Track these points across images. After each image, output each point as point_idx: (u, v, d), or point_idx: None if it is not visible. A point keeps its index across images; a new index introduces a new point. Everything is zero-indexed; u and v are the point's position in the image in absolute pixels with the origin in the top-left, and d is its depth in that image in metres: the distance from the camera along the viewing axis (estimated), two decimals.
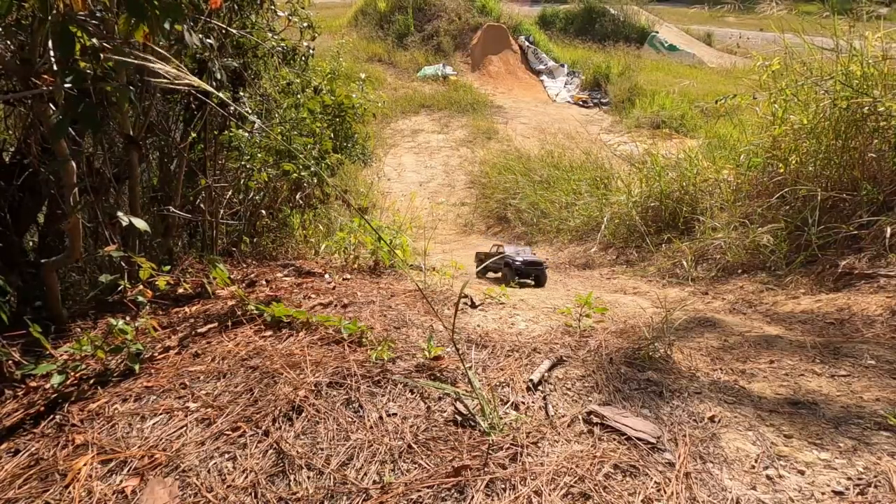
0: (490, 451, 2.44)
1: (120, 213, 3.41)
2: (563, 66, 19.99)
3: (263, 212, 5.68)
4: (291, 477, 2.31)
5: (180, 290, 4.19)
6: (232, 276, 4.28)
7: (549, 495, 2.21)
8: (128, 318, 3.53)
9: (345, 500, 2.21)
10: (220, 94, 2.48)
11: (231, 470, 2.36)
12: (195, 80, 2.06)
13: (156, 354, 3.29)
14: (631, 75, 17.87)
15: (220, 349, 3.30)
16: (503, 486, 2.25)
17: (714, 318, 4.69)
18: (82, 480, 2.30)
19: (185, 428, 2.62)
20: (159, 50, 2.57)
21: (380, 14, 21.32)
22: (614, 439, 2.54)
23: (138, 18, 2.52)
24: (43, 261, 3.49)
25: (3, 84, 3.95)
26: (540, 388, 2.98)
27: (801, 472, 2.42)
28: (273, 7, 5.33)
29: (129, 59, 2.30)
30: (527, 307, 4.67)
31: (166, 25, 2.62)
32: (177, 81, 2.04)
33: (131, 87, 3.62)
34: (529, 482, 2.26)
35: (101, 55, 2.89)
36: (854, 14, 6.69)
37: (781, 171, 6.30)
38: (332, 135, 6.45)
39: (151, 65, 2.08)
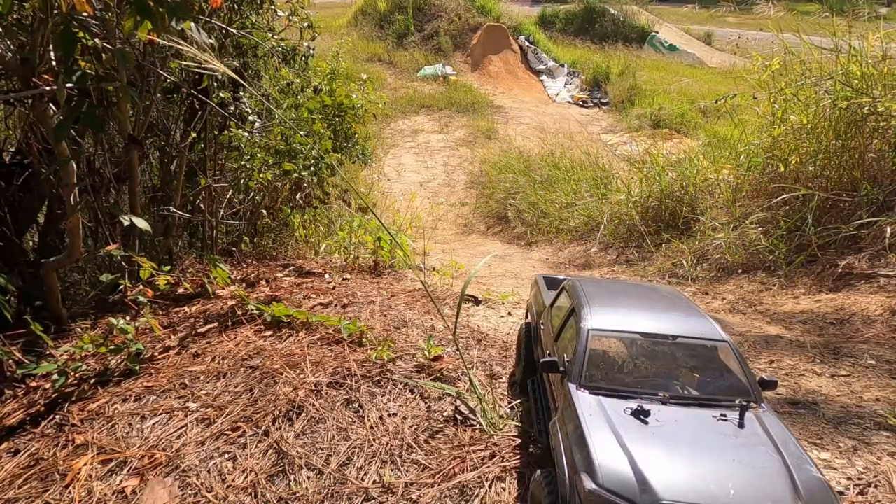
0: (490, 449, 2.44)
1: (121, 213, 3.41)
2: (563, 66, 19.97)
3: (264, 212, 5.68)
4: (291, 477, 2.31)
5: (180, 290, 4.19)
6: (232, 276, 4.28)
7: None
8: (128, 318, 3.53)
9: (345, 500, 2.21)
10: (225, 90, 2.50)
11: (231, 470, 2.36)
12: (221, 66, 2.16)
13: (156, 354, 3.30)
14: (631, 75, 17.83)
15: (220, 349, 3.30)
16: (504, 484, 2.25)
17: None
18: (82, 480, 2.30)
19: (185, 428, 2.62)
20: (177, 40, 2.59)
21: (380, 14, 21.30)
22: None
23: (145, 17, 2.53)
24: (43, 261, 3.49)
25: (3, 84, 3.95)
26: None
27: None
28: (273, 7, 5.32)
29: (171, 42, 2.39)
30: None
31: (173, 23, 2.62)
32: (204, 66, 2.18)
33: (133, 87, 3.63)
34: (530, 478, 2.26)
35: (103, 55, 2.89)
36: (853, 14, 6.69)
37: (781, 171, 6.30)
38: (332, 135, 6.45)
39: (183, 49, 2.18)
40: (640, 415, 1.81)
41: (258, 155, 5.22)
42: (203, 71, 3.44)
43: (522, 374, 2.88)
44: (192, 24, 2.79)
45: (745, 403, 1.93)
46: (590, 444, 1.69)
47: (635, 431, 1.75)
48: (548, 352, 2.50)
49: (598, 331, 2.16)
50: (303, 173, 5.31)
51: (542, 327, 2.75)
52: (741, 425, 1.83)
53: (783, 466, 1.66)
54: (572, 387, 1.99)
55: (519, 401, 2.86)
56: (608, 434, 1.73)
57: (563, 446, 1.81)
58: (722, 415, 1.87)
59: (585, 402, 1.90)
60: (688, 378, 2.07)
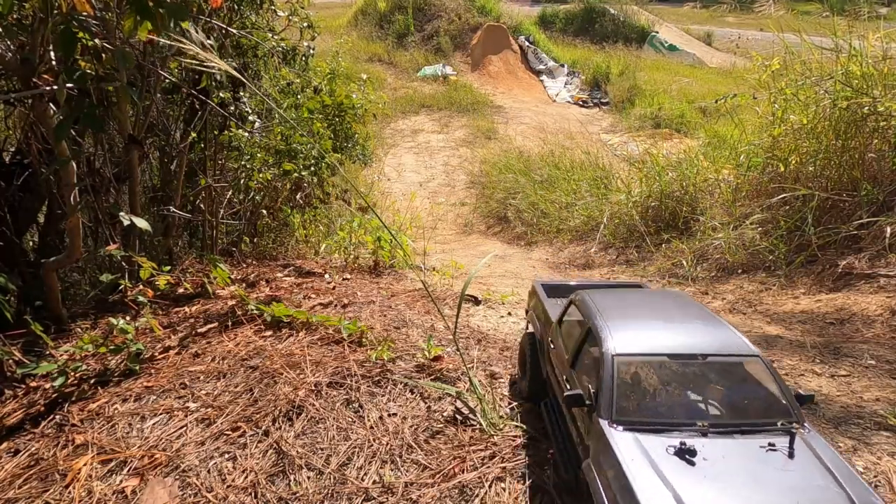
0: (490, 450, 2.44)
1: (122, 213, 3.41)
2: (563, 66, 19.97)
3: (264, 212, 5.68)
4: (291, 477, 2.31)
5: (180, 290, 4.20)
6: (232, 276, 4.28)
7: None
8: (128, 318, 3.53)
9: (345, 500, 2.21)
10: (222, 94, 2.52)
11: (231, 470, 2.36)
12: (223, 64, 2.20)
13: (156, 354, 3.30)
14: (631, 75, 17.82)
15: (220, 349, 3.30)
16: (504, 484, 2.25)
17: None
18: (82, 480, 2.30)
19: (185, 428, 2.62)
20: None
21: (380, 14, 21.30)
22: None
23: (145, 18, 2.54)
24: (43, 261, 3.49)
25: (3, 84, 3.96)
26: None
27: None
28: (273, 7, 5.32)
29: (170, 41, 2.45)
30: None
31: (171, 24, 2.63)
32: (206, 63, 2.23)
33: (133, 87, 3.63)
34: (530, 478, 2.26)
35: (103, 55, 2.90)
36: (853, 14, 6.69)
37: (781, 171, 6.30)
38: (332, 135, 6.45)
39: (185, 47, 2.24)
40: (686, 454, 1.67)
41: (258, 155, 5.23)
42: (203, 69, 3.46)
43: (529, 390, 2.79)
44: (191, 24, 2.80)
45: (790, 427, 1.80)
46: (639, 497, 1.53)
47: (683, 475, 1.60)
48: (564, 377, 2.28)
49: (624, 355, 1.96)
50: (303, 173, 5.31)
51: (553, 348, 2.57)
52: (791, 455, 1.70)
53: (846, 499, 1.54)
54: (604, 423, 1.81)
55: (518, 402, 2.87)
56: (656, 482, 1.58)
57: (606, 497, 1.66)
58: (770, 444, 1.72)
59: (623, 442, 1.74)
60: (722, 400, 1.92)
